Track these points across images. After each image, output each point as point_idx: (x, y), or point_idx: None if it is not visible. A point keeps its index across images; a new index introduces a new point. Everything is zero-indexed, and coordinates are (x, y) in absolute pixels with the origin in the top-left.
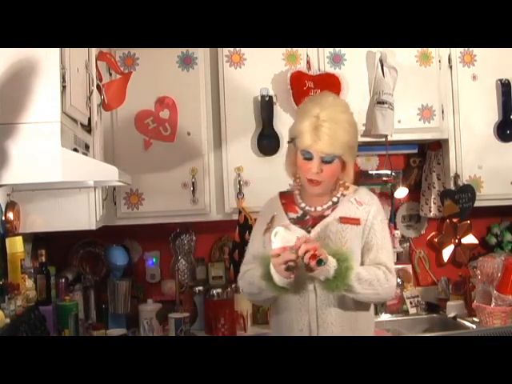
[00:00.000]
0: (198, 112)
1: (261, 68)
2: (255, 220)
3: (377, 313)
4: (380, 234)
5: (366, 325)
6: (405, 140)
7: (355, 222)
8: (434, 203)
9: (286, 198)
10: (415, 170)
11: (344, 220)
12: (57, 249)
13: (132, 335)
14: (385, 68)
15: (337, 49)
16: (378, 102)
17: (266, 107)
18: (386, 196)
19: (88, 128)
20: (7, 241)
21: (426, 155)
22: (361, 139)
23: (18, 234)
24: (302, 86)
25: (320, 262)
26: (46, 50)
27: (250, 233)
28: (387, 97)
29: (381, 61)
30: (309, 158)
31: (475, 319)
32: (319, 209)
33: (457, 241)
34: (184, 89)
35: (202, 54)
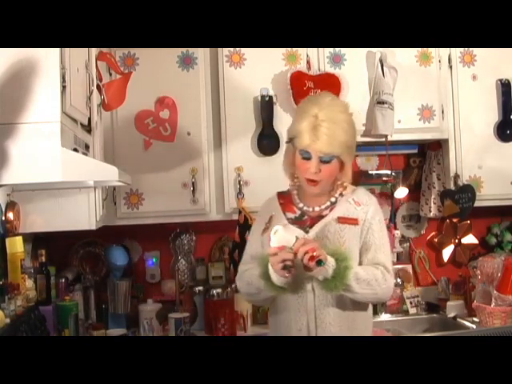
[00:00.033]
0: (198, 112)
1: (261, 68)
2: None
3: (377, 313)
4: (378, 234)
5: (363, 325)
6: (405, 140)
7: (353, 222)
8: (434, 203)
9: (284, 198)
10: (415, 170)
11: (342, 220)
12: (57, 249)
13: (132, 335)
14: (385, 68)
15: (337, 49)
16: (378, 101)
17: (265, 107)
18: (386, 196)
19: (88, 128)
20: (7, 241)
21: (426, 155)
22: (361, 139)
23: (18, 234)
24: (302, 86)
25: (319, 263)
26: (45, 49)
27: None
28: (387, 97)
29: (381, 61)
30: (307, 158)
31: (475, 319)
32: (317, 209)
33: (457, 241)
34: (184, 89)
35: (202, 54)
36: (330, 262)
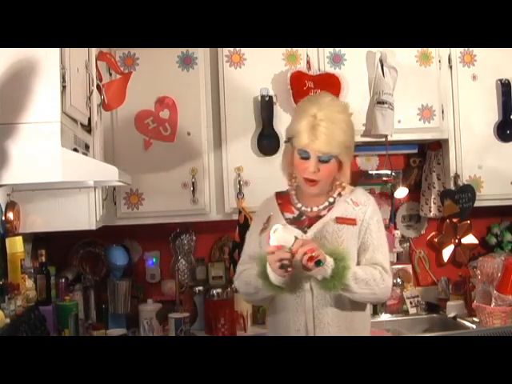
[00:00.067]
0: (198, 112)
1: (261, 68)
2: None
3: (377, 313)
4: (376, 235)
5: (362, 325)
6: (405, 140)
7: (351, 222)
8: (434, 203)
9: (283, 198)
10: (415, 170)
11: (340, 220)
12: (57, 249)
13: (132, 335)
14: (385, 68)
15: (337, 49)
16: (378, 101)
17: (265, 107)
18: (386, 196)
19: (88, 128)
20: (7, 241)
21: (426, 155)
22: (361, 139)
23: (18, 234)
24: (302, 86)
25: (318, 263)
26: (45, 50)
27: None
28: (387, 97)
29: (381, 61)
30: (306, 158)
31: (475, 319)
32: (315, 209)
33: (457, 241)
34: (184, 89)
35: (202, 54)
36: (329, 262)
